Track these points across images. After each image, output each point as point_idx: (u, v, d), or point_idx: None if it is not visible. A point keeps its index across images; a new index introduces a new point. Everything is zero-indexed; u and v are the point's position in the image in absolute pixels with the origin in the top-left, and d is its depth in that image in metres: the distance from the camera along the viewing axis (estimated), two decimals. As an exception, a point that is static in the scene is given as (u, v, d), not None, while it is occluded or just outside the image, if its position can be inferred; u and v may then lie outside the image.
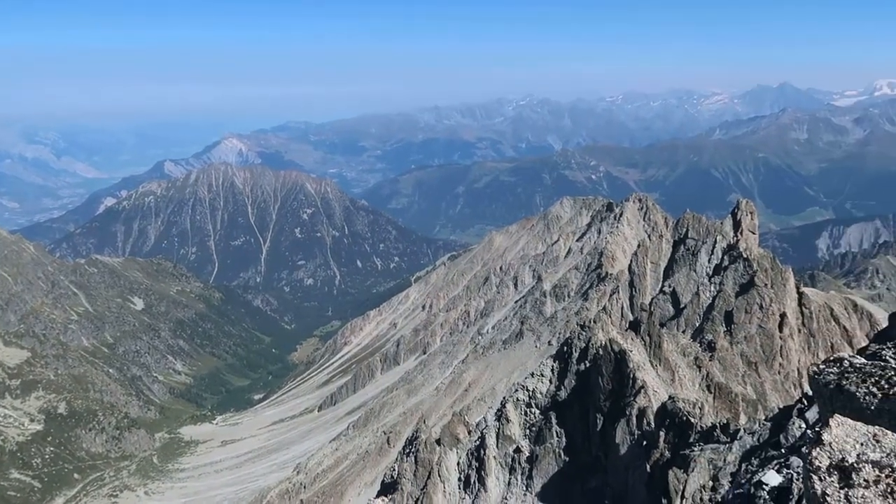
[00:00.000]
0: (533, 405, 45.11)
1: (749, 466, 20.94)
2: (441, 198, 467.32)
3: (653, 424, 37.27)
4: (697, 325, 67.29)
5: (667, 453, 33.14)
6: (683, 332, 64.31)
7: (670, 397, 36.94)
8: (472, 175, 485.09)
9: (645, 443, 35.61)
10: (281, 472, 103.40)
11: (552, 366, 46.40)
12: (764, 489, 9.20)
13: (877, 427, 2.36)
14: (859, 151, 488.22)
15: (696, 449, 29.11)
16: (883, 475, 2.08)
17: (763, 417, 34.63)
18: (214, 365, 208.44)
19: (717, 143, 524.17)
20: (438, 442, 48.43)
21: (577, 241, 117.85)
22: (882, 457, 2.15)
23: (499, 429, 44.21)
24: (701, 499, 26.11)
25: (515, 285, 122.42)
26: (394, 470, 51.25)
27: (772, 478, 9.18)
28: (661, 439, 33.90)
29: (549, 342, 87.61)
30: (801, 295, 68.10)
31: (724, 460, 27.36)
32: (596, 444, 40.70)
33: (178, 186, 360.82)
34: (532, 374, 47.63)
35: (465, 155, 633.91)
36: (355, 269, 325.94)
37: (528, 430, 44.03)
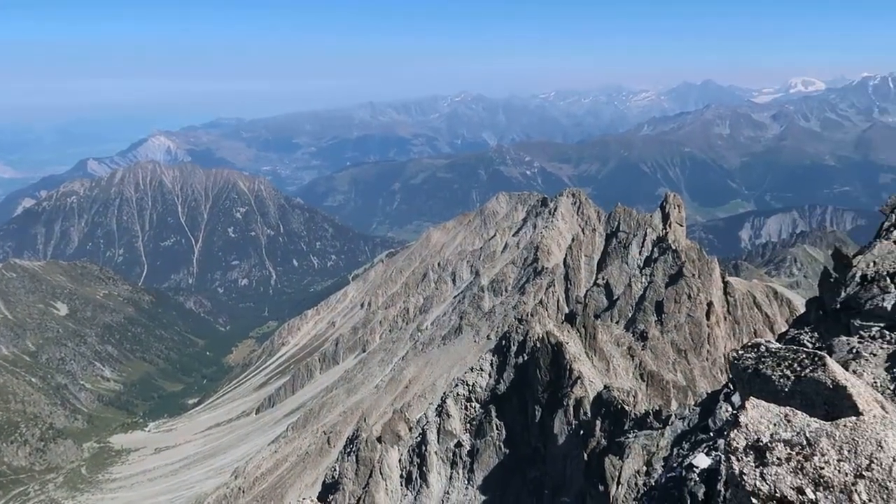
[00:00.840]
0: (473, 399, 45.57)
1: (680, 450, 21.77)
2: (378, 195, 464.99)
3: (589, 414, 38.24)
4: (630, 315, 69.30)
5: (603, 441, 34.08)
6: (617, 322, 66.12)
7: (605, 387, 37.98)
8: (408, 171, 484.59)
9: (582, 432, 36.50)
10: (218, 478, 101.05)
11: (491, 360, 46.98)
12: (694, 471, 9.64)
13: (788, 408, 2.56)
14: (777, 146, 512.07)
15: (630, 436, 30.03)
16: (794, 453, 2.28)
17: (693, 403, 36.02)
18: (145, 370, 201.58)
19: (645, 139, 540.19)
20: (379, 440, 48.34)
21: (514, 235, 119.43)
22: (792, 435, 2.35)
23: (440, 424, 44.47)
24: (636, 483, 26.94)
25: (453, 281, 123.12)
26: (335, 470, 50.88)
27: (701, 460, 9.62)
28: (598, 428, 34.84)
29: (487, 336, 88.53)
30: (726, 284, 71.05)
31: (657, 445, 28.33)
32: (535, 436, 41.45)
33: (103, 186, 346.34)
34: (471, 369, 48.10)
35: (401, 151, 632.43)
36: (291, 268, 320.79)
37: (468, 425, 44.46)
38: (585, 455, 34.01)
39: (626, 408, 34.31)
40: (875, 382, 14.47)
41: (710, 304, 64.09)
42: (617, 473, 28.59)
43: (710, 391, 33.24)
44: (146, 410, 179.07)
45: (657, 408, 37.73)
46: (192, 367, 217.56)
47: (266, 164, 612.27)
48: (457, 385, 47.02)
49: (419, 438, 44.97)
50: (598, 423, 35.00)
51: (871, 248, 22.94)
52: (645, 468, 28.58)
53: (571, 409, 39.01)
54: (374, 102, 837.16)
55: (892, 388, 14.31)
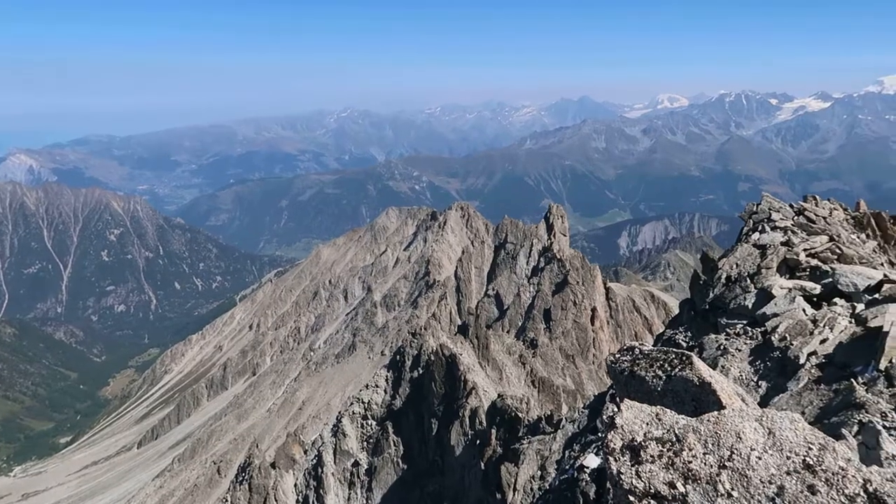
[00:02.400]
0: (369, 417, 45.08)
1: (572, 452, 22.53)
2: (264, 212, 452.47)
3: (484, 423, 38.84)
4: (520, 324, 71.33)
5: (499, 449, 34.68)
6: (508, 331, 67.79)
7: (499, 395, 38.73)
8: (295, 188, 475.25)
9: (478, 442, 36.98)
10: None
11: (386, 375, 46.71)
12: (585, 472, 10.00)
13: (659, 407, 2.73)
14: (648, 158, 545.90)
15: (524, 442, 30.75)
16: (665, 449, 2.44)
17: (581, 405, 37.43)
18: (9, 409, 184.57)
19: (528, 153, 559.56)
20: (273, 465, 46.74)
21: (405, 250, 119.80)
22: (663, 433, 2.51)
23: (336, 444, 43.64)
24: (531, 489, 27.56)
25: (345, 298, 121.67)
26: (226, 501, 48.61)
27: (591, 460, 9.99)
28: (493, 436, 35.42)
29: (381, 352, 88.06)
30: (608, 290, 74.72)
31: (550, 449, 29.19)
32: (432, 449, 41.55)
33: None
34: (367, 386, 47.60)
35: (287, 168, 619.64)
36: (173, 291, 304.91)
37: (365, 443, 43.90)
38: (482, 464, 34.46)
39: (520, 415, 35.12)
40: (741, 376, 15.63)
41: (594, 310, 67.13)
42: (513, 480, 29.16)
43: (597, 393, 34.62)
44: (11, 453, 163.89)
45: (549, 413, 38.91)
46: (64, 402, 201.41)
47: (142, 182, 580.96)
48: (352, 403, 46.37)
49: (315, 461, 43.90)
50: (494, 431, 35.59)
51: (734, 252, 24.83)
52: (539, 472, 29.35)
53: (467, 419, 39.45)
54: (258, 118, 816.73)
55: (755, 380, 15.51)
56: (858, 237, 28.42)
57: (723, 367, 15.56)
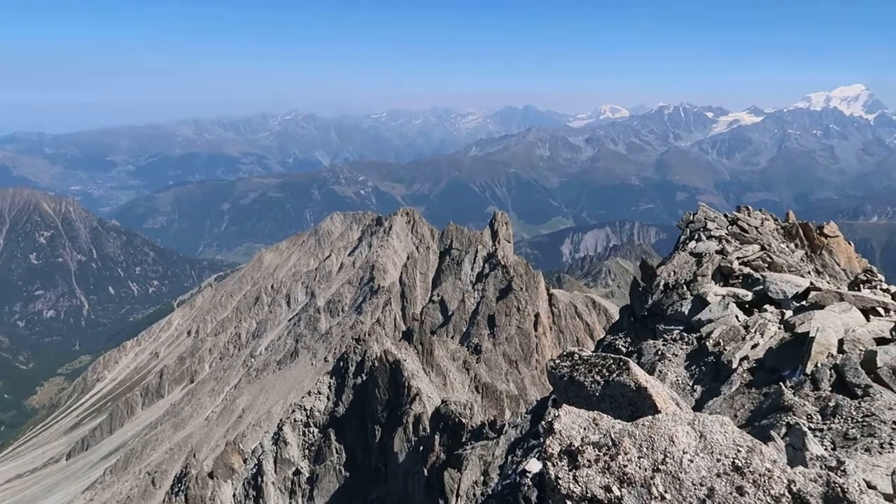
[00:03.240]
0: (311, 424, 44.44)
1: (514, 457, 22.72)
2: (205, 216, 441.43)
3: (428, 429, 38.79)
4: (465, 329, 71.66)
5: (442, 455, 34.68)
6: (452, 337, 67.99)
7: (443, 401, 38.76)
8: (237, 191, 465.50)
9: (421, 448, 36.89)
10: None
11: (329, 382, 46.18)
12: (528, 476, 10.10)
13: (595, 412, 2.79)
14: (591, 167, 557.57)
15: (468, 448, 30.85)
16: (601, 454, 2.49)
17: (524, 410, 37.82)
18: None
19: (474, 160, 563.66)
20: (211, 475, 45.57)
21: (349, 255, 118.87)
22: (600, 437, 2.56)
23: (276, 453, 42.84)
24: (474, 494, 27.66)
25: (288, 303, 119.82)
26: (161, 513, 47.21)
27: (533, 465, 10.10)
28: (437, 442, 35.40)
29: (325, 359, 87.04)
30: (550, 296, 75.85)
31: (493, 455, 29.37)
32: (375, 456, 41.24)
33: None
34: (309, 393, 46.95)
35: (229, 170, 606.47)
36: (107, 296, 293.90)
37: (307, 451, 43.25)
38: (426, 470, 34.39)
39: (463, 420, 35.22)
40: (677, 380, 16.09)
41: (537, 316, 68.02)
42: (456, 486, 29.20)
43: (539, 398, 35.04)
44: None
45: (492, 418, 39.16)
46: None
47: (75, 183, 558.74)
48: (294, 411, 45.63)
49: (255, 470, 42.98)
50: (437, 437, 35.58)
51: (671, 260, 25.55)
52: (482, 478, 29.48)
53: (411, 426, 39.33)
54: (199, 119, 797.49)
55: (691, 384, 15.98)
56: (788, 246, 29.65)
57: (660, 371, 15.97)
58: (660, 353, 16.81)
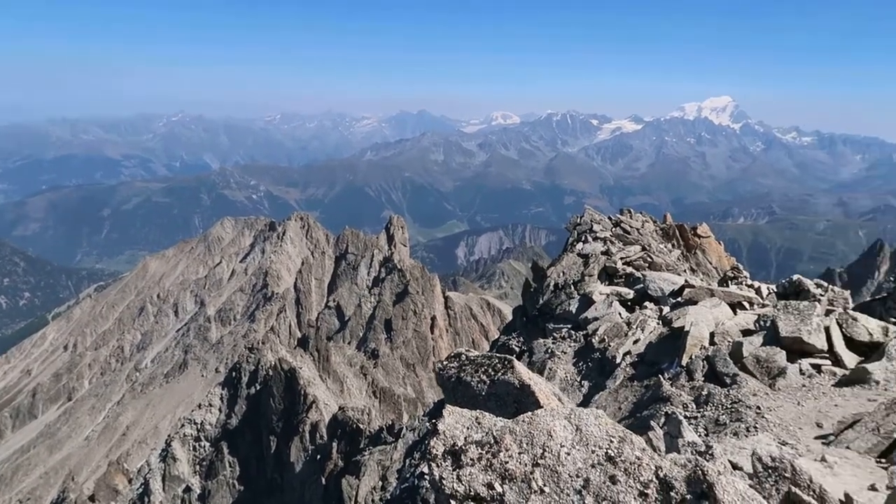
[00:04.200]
0: (202, 438, 42.64)
1: (412, 461, 22.79)
2: (82, 222, 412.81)
3: (325, 437, 38.17)
4: (362, 335, 71.12)
5: (340, 462, 34.24)
6: (349, 343, 67.31)
7: (340, 408, 38.29)
8: (119, 196, 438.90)
9: (319, 456, 36.27)
10: None
11: (221, 394, 44.50)
12: (425, 479, 10.16)
13: (479, 411, 2.86)
14: (484, 171, 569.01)
15: (366, 453, 30.63)
16: (484, 452, 2.56)
17: (422, 413, 38.00)
18: None
19: (369, 164, 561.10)
20: (92, 498, 42.73)
21: (241, 262, 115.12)
22: (482, 436, 2.63)
23: (165, 470, 40.77)
24: (373, 500, 27.51)
25: (176, 313, 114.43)
26: (34, 543, 43.87)
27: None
28: (334, 450, 34.91)
29: (216, 369, 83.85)
30: (446, 299, 76.73)
31: (391, 459, 29.33)
32: (271, 467, 40.13)
33: None
34: (199, 406, 45.04)
35: (109, 174, 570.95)
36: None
37: (198, 466, 41.45)
38: (323, 479, 33.84)
39: (361, 426, 34.95)
40: (566, 377, 16.71)
41: (433, 319, 68.60)
42: (354, 493, 28.91)
43: (437, 400, 35.35)
44: None
45: (390, 422, 39.08)
46: None
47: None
48: (183, 425, 43.60)
49: (141, 490, 40.70)
50: (335, 445, 35.10)
51: (561, 261, 26.50)
52: (381, 483, 29.37)
53: (307, 434, 38.56)
54: (75, 119, 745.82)
55: (579, 380, 16.63)
56: (666, 246, 31.50)
57: (550, 369, 16.57)
58: (550, 351, 17.45)
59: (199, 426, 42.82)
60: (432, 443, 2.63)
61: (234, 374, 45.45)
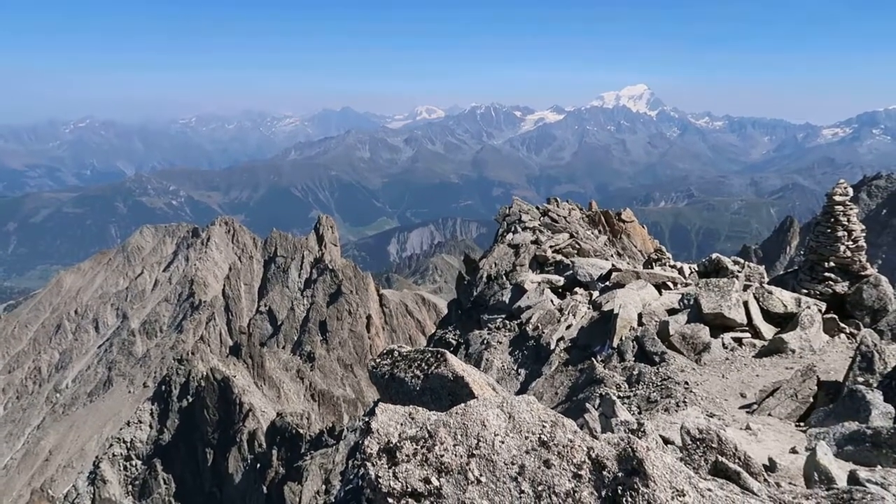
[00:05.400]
0: (133, 457, 41.03)
1: (355, 462, 22.62)
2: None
3: (264, 445, 37.38)
4: (296, 338, 69.95)
5: (281, 469, 33.62)
6: (284, 347, 66.08)
7: (278, 414, 37.60)
8: (25, 208, 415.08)
9: (259, 465, 35.51)
10: None
11: (151, 409, 42.93)
12: (365, 479, 10.12)
13: (412, 406, 2.85)
14: (411, 167, 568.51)
15: (307, 458, 30.21)
16: (419, 447, 2.55)
17: (362, 413, 37.72)
18: None
19: (293, 164, 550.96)
20: (15, 530, 40.60)
21: (164, 271, 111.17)
22: (416, 431, 2.62)
23: (94, 493, 39.03)
24: (316, 504, 27.23)
25: (96, 329, 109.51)
26: (-46, 583, 41.33)
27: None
28: (274, 457, 34.27)
29: (144, 384, 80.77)
30: (381, 296, 76.38)
31: (334, 462, 29.03)
32: (209, 480, 39.02)
33: None
34: (128, 424, 43.31)
35: (13, 185, 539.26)
36: None
37: (130, 487, 39.87)
38: (265, 488, 33.18)
39: (301, 431, 34.44)
40: (503, 366, 16.91)
41: (369, 318, 68.16)
42: (297, 499, 28.48)
43: (376, 399, 35.15)
44: None
45: (331, 424, 38.66)
46: None
47: None
48: (111, 445, 41.83)
49: (69, 516, 38.87)
50: (275, 452, 34.45)
51: (492, 252, 26.77)
52: (324, 487, 29.03)
53: (245, 443, 37.67)
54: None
55: (516, 368, 16.86)
56: (593, 233, 32.29)
57: (487, 359, 16.75)
58: (485, 341, 17.64)
59: (128, 444, 41.20)
60: (366, 442, 2.61)
61: (163, 387, 43.93)
